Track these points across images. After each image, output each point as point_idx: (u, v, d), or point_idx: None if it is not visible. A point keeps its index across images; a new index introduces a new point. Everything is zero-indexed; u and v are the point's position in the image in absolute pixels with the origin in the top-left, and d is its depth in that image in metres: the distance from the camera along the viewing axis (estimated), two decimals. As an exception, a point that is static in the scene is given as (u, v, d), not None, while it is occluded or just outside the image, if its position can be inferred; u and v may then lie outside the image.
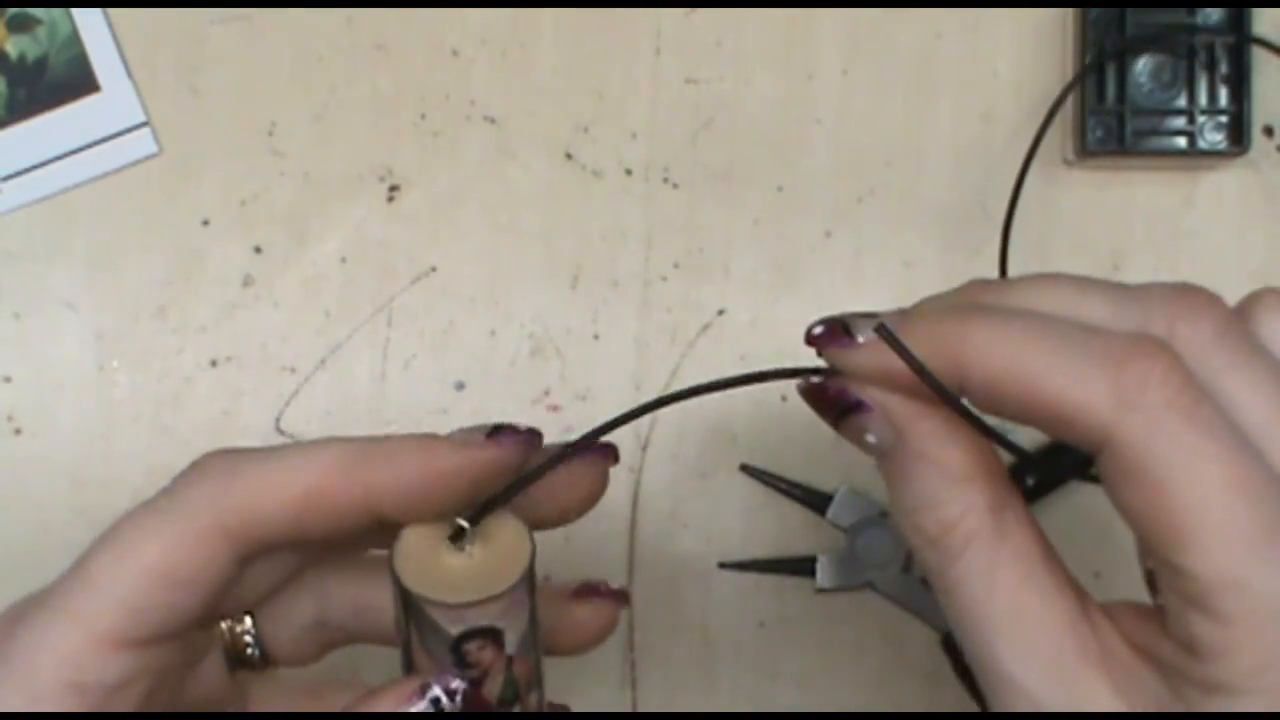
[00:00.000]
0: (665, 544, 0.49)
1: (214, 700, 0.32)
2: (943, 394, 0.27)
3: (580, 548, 0.49)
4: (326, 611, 0.33)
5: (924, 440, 0.28)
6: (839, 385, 0.28)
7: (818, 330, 0.29)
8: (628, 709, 0.48)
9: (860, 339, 0.28)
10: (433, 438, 0.29)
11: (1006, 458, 0.28)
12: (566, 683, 0.49)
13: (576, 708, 0.49)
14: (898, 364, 0.27)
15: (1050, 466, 0.47)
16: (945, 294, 0.30)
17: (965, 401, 0.27)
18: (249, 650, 0.32)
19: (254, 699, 0.33)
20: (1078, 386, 0.25)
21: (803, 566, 0.48)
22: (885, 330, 0.27)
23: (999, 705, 0.27)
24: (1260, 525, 0.24)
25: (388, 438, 0.29)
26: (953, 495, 0.27)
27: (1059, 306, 0.27)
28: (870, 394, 0.28)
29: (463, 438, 0.30)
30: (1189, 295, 0.27)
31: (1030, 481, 0.48)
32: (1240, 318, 0.28)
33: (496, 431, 0.30)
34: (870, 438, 0.28)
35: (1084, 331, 0.26)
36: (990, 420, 0.28)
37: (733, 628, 0.49)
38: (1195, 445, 0.25)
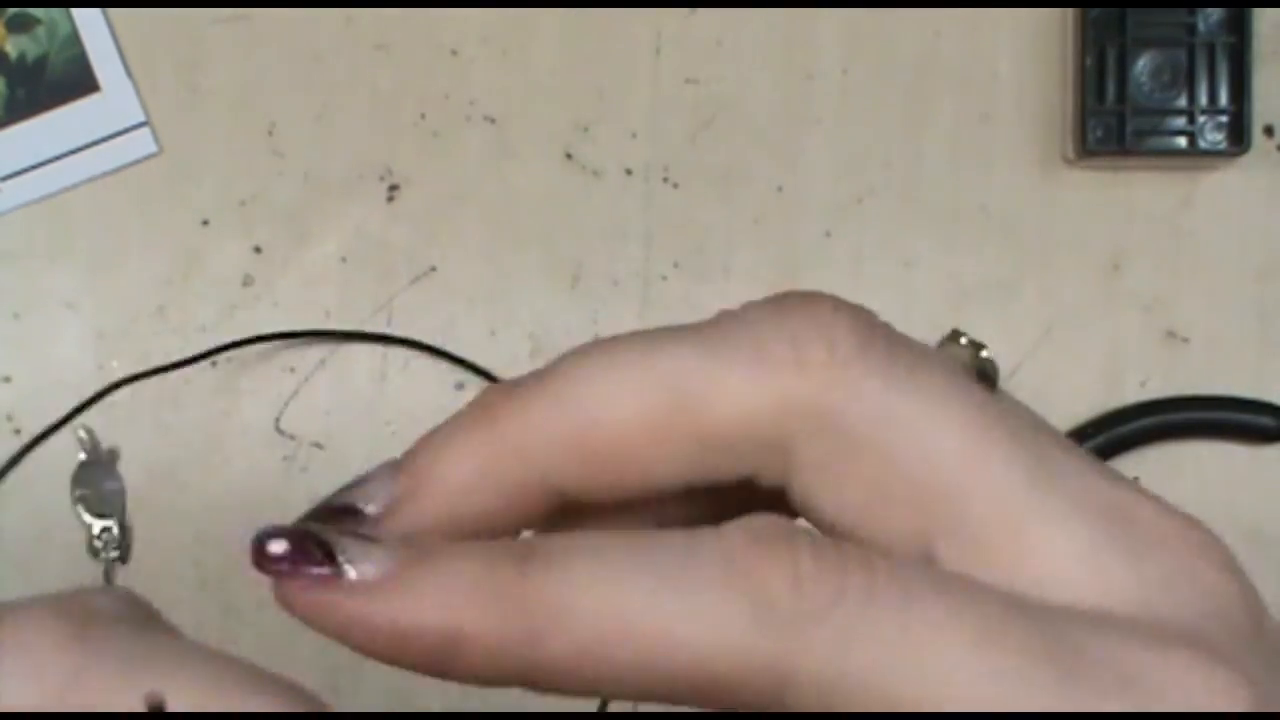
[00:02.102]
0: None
1: None
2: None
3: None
4: None
5: None
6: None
7: (276, 549, 0.17)
8: (627, 709, 0.48)
9: (355, 573, 0.17)
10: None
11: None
12: (566, 683, 0.49)
13: (576, 707, 0.49)
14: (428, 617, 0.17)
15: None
16: (449, 428, 0.19)
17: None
18: None
19: None
20: (711, 632, 0.17)
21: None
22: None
23: None
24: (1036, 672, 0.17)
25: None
26: None
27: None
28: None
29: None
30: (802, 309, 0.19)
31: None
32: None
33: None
34: None
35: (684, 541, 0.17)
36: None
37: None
38: (908, 632, 0.17)
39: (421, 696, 0.48)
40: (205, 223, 0.49)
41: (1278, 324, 0.49)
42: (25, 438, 0.48)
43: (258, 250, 0.49)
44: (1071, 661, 0.17)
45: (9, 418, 0.49)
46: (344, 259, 0.49)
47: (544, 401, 0.20)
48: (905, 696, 0.16)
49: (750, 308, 0.19)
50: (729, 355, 0.18)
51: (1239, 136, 0.48)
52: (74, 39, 0.49)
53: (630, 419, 0.18)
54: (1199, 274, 0.49)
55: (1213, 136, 0.48)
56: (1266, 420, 0.48)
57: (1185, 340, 0.49)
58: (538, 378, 0.20)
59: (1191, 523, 0.19)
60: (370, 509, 0.18)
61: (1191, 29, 0.48)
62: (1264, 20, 0.49)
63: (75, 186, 0.49)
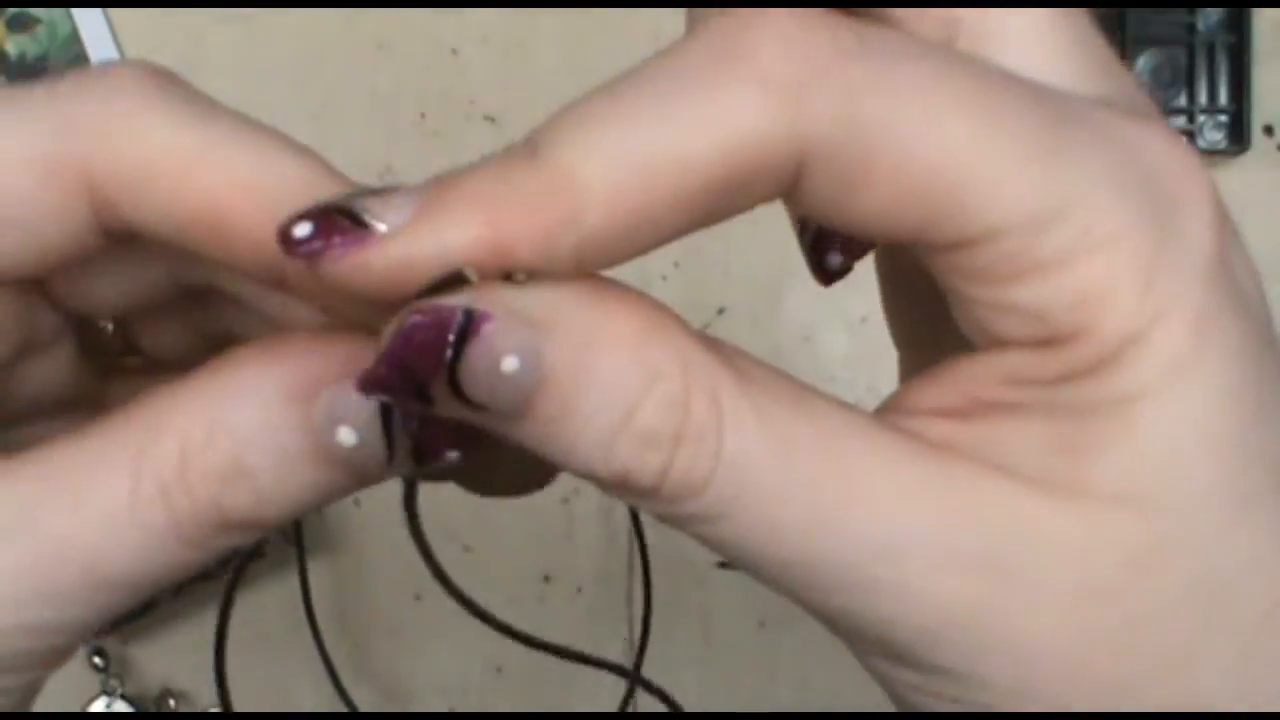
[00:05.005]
0: (665, 544, 0.49)
1: (56, 395, 0.24)
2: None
3: (581, 548, 0.49)
4: (214, 319, 0.25)
5: (591, 312, 0.18)
6: (433, 310, 0.17)
7: (302, 232, 0.18)
8: (632, 710, 0.48)
9: (384, 225, 0.17)
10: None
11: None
12: (567, 682, 0.49)
13: (577, 707, 0.49)
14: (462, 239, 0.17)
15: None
16: None
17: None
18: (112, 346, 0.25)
19: (114, 395, 0.25)
20: (722, 127, 0.17)
21: (803, 566, 0.48)
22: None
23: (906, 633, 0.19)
24: (1040, 124, 0.17)
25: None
26: (665, 364, 0.18)
27: None
28: (463, 300, 0.17)
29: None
30: None
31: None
32: None
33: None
34: (512, 363, 0.17)
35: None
36: None
37: (733, 628, 0.49)
38: (904, 81, 0.17)
39: (422, 696, 0.48)
40: (205, 223, 0.49)
41: (1278, 324, 0.49)
42: (25, 438, 0.48)
43: (258, 250, 0.49)
44: (1057, 111, 0.18)
45: (9, 418, 0.49)
46: (344, 259, 0.49)
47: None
48: (906, 146, 0.17)
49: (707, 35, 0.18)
50: (701, 78, 0.17)
51: (1239, 136, 0.48)
52: (74, 39, 0.49)
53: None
54: (1199, 274, 0.49)
55: (1213, 136, 0.48)
56: (1266, 420, 0.48)
57: (1185, 340, 0.49)
58: None
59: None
60: (384, 223, 0.18)
61: (1191, 28, 0.48)
62: (1264, 20, 0.49)
63: (75, 186, 0.49)
